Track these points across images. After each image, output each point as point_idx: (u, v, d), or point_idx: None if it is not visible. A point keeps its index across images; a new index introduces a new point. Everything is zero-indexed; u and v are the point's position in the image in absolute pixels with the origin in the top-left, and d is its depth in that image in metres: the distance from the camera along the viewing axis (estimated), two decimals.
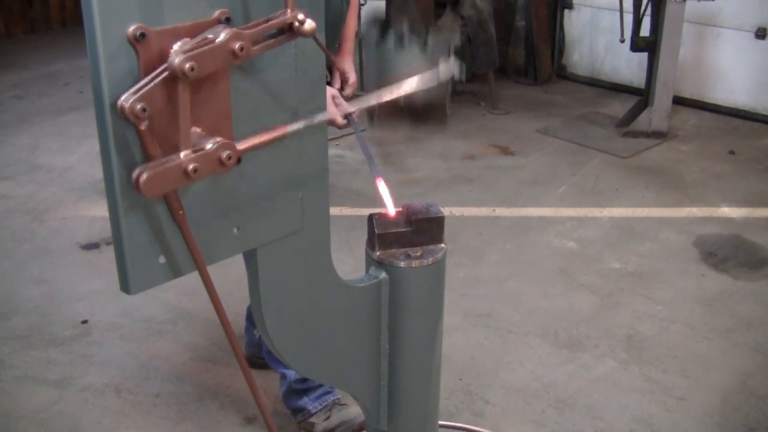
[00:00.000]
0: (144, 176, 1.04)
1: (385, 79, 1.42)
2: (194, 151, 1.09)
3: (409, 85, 1.36)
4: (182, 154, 1.07)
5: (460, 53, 4.83)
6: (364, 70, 1.44)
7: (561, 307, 3.32)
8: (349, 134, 4.95)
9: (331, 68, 2.35)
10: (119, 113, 1.03)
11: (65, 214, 4.17)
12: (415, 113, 1.48)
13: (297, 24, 1.12)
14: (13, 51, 7.28)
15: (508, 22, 6.29)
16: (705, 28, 5.61)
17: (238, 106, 1.18)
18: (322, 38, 1.23)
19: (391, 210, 1.60)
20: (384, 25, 1.38)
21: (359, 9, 2.50)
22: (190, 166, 1.07)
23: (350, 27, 2.44)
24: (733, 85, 5.62)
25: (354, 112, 2.14)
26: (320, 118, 1.26)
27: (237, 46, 1.06)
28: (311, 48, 1.25)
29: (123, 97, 1.02)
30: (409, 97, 1.43)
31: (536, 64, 6.33)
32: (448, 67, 1.36)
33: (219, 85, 1.13)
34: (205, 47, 1.04)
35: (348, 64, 2.38)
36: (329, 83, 2.31)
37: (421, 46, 1.29)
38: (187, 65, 1.01)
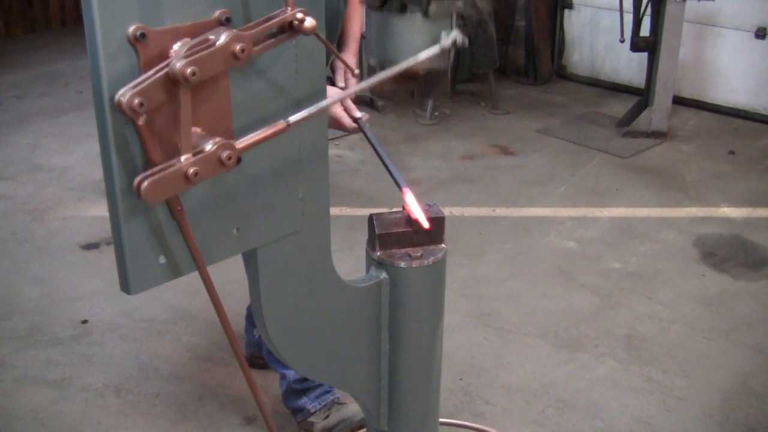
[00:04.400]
0: (145, 184, 1.04)
1: (387, 46, 1.40)
2: (194, 154, 1.08)
3: (411, 62, 1.34)
4: (183, 158, 1.07)
5: (462, 18, 4.73)
6: (368, 44, 1.42)
7: (561, 307, 3.32)
8: (349, 134, 4.96)
9: (333, 67, 2.34)
10: (117, 108, 1.02)
11: (65, 214, 4.17)
12: (417, 81, 1.47)
13: (297, 22, 1.12)
14: (13, 51, 7.28)
15: (508, 22, 6.29)
16: (705, 28, 5.61)
17: (238, 105, 1.18)
18: (322, 35, 1.23)
19: (425, 223, 1.57)
20: None
21: (362, 8, 2.48)
22: (191, 170, 1.07)
23: (354, 27, 2.42)
24: (733, 85, 5.62)
25: (364, 116, 2.10)
26: (320, 105, 1.25)
27: (238, 48, 1.06)
28: (311, 47, 1.25)
29: (121, 92, 1.01)
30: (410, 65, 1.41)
31: (536, 64, 6.33)
32: (451, 35, 1.35)
33: (219, 85, 1.13)
34: (206, 51, 1.04)
35: (350, 64, 2.36)
36: (332, 82, 2.29)
37: (424, 11, 1.27)
38: (189, 70, 1.01)
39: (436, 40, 1.33)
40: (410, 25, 1.27)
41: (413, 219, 1.58)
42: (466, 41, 1.39)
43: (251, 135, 1.15)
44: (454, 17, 1.33)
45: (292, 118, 1.18)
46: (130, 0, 1.02)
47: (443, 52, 1.40)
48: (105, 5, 0.99)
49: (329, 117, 2.06)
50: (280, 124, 1.17)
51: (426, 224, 1.57)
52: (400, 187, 1.64)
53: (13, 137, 5.26)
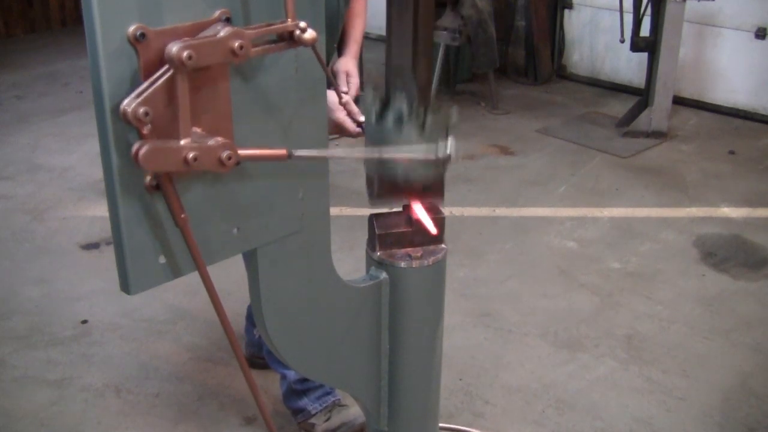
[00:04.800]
0: (144, 148, 1.03)
1: (384, 160, 1.44)
2: (195, 142, 1.09)
3: (407, 154, 1.40)
4: (182, 141, 1.08)
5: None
6: (365, 140, 1.48)
7: (561, 307, 3.32)
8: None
9: (333, 71, 2.33)
10: (122, 118, 1.03)
11: (65, 214, 4.17)
12: (413, 190, 1.50)
13: (298, 32, 1.12)
14: (13, 51, 7.28)
15: (508, 22, 6.29)
16: (705, 28, 5.61)
17: (238, 106, 1.18)
18: (321, 44, 1.23)
19: (432, 230, 1.58)
20: (384, 102, 1.42)
21: (365, 12, 2.47)
22: (191, 154, 1.07)
23: (356, 30, 2.41)
24: (733, 85, 5.62)
25: None
26: (326, 153, 1.28)
27: (237, 44, 1.06)
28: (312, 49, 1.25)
29: (125, 102, 1.01)
30: (407, 176, 1.46)
31: (536, 64, 6.33)
32: (446, 146, 1.39)
33: (219, 85, 1.13)
34: (205, 39, 1.04)
35: (352, 68, 2.36)
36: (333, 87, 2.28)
37: (420, 125, 1.31)
38: (185, 53, 1.01)
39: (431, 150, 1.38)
40: (407, 140, 1.32)
41: (415, 220, 1.58)
42: (460, 156, 1.41)
43: (253, 150, 1.16)
44: (450, 131, 1.38)
45: (297, 152, 1.20)
46: (130, 0, 1.02)
47: (438, 162, 1.43)
48: (105, 5, 0.99)
49: (332, 122, 2.05)
50: (282, 152, 1.18)
51: (434, 231, 1.57)
52: None
53: (13, 137, 5.26)
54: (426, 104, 1.46)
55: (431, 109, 1.45)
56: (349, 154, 1.43)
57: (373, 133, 1.49)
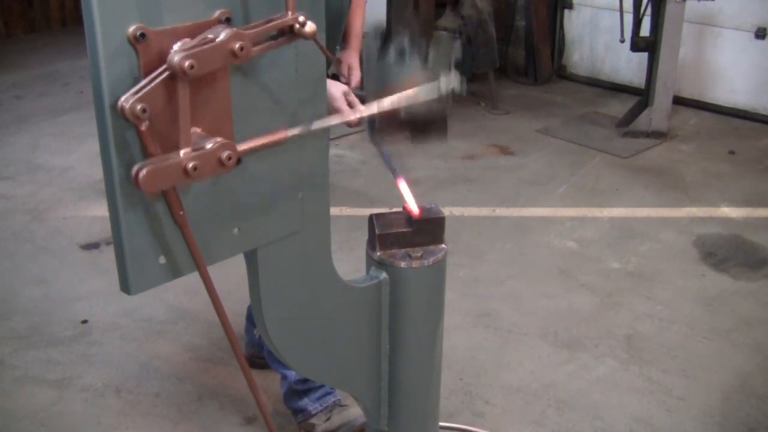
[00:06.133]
0: (143, 172, 1.04)
1: (385, 93, 1.40)
2: (194, 150, 1.09)
3: (410, 96, 1.35)
4: (182, 153, 1.07)
5: (461, 66, 4.85)
6: (365, 81, 1.48)
7: (561, 307, 3.32)
8: (349, 134, 4.96)
9: (336, 61, 2.36)
10: (119, 114, 1.03)
11: (65, 214, 4.17)
12: (416, 125, 1.48)
13: (297, 26, 1.12)
14: (13, 51, 7.28)
15: (508, 22, 6.29)
16: (705, 28, 5.61)
17: (238, 106, 1.18)
18: (322, 39, 1.23)
19: (414, 208, 1.59)
20: (385, 38, 1.41)
21: (365, 5, 2.51)
22: (190, 165, 1.07)
23: (356, 23, 2.45)
24: (733, 85, 5.62)
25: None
26: (321, 124, 1.27)
27: (237, 45, 1.06)
28: (311, 48, 1.25)
29: (123, 98, 1.02)
30: (409, 110, 1.41)
31: (536, 64, 6.33)
32: (449, 80, 1.36)
33: (219, 85, 1.13)
34: (205, 46, 1.04)
35: (353, 61, 2.39)
36: (337, 78, 2.31)
37: (422, 60, 1.29)
38: (187, 63, 1.01)
39: (435, 85, 1.34)
40: (409, 74, 1.30)
41: (412, 216, 1.58)
42: (465, 89, 1.39)
43: (251, 140, 1.16)
44: (453, 64, 1.36)
45: (292, 131, 1.19)
46: (130, 0, 1.02)
47: (442, 97, 1.40)
48: (105, 5, 0.99)
49: (332, 112, 2.07)
50: (281, 133, 1.18)
51: (416, 210, 1.58)
52: (394, 176, 1.65)
53: (13, 137, 5.26)
54: (428, 37, 1.42)
55: (433, 42, 1.41)
56: (348, 116, 1.40)
57: (374, 70, 1.45)
